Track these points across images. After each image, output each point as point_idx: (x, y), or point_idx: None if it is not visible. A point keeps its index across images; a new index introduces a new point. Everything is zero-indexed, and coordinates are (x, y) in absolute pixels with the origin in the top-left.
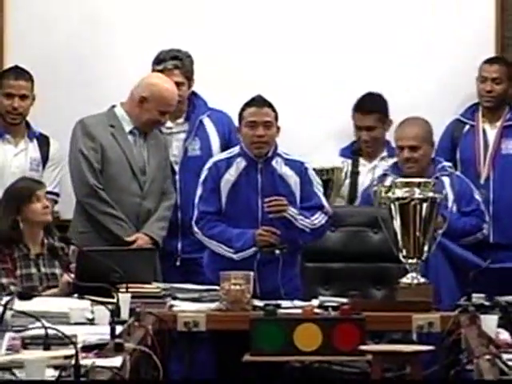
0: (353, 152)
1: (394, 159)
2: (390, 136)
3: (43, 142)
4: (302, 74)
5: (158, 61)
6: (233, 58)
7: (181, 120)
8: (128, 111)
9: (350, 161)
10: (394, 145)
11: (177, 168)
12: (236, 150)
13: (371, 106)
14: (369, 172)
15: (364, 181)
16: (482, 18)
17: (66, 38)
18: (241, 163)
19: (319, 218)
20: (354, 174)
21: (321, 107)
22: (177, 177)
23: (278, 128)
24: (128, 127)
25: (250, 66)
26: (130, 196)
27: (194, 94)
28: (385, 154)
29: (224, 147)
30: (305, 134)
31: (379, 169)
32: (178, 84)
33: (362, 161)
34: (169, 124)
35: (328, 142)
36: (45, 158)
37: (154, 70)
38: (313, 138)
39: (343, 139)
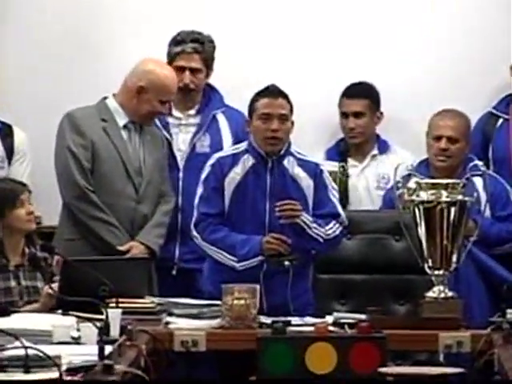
0: (340, 153)
1: (386, 155)
2: (379, 130)
3: (5, 132)
4: (298, 68)
5: (177, 42)
6: (226, 53)
7: (192, 112)
8: (122, 103)
9: (336, 163)
10: (384, 138)
11: (181, 165)
12: (243, 145)
13: (360, 91)
14: (360, 173)
15: (356, 184)
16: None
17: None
18: (248, 161)
19: (333, 228)
20: (344, 177)
21: (314, 105)
22: (180, 174)
23: (292, 122)
24: (122, 121)
25: (244, 62)
26: (124, 199)
27: (209, 86)
28: (376, 151)
29: None
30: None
31: (370, 168)
32: (195, 70)
33: (351, 161)
34: (178, 114)
35: (313, 143)
36: (9, 151)
37: (170, 52)
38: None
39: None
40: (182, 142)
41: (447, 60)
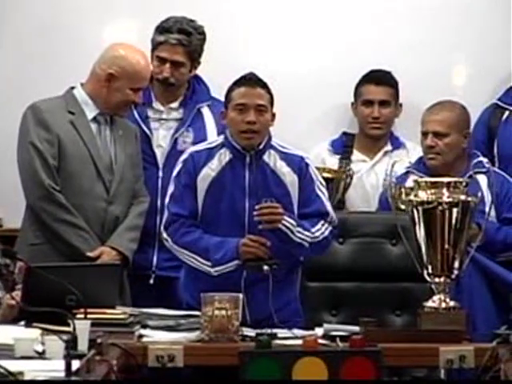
0: (346, 145)
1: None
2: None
3: None
4: (300, 56)
5: (162, 30)
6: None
7: (175, 105)
8: (91, 93)
9: (337, 161)
10: (398, 134)
11: (160, 163)
12: (219, 139)
13: (386, 79)
14: (370, 169)
15: (364, 181)
16: None
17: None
18: (224, 155)
19: (322, 230)
20: (348, 179)
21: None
22: (159, 173)
23: (274, 114)
24: (91, 113)
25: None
26: (94, 199)
27: (195, 77)
28: (389, 147)
29: None
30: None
31: (381, 165)
32: (177, 64)
33: (359, 156)
34: (158, 107)
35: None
36: None
37: (154, 40)
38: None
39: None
40: (162, 137)
41: (448, 51)
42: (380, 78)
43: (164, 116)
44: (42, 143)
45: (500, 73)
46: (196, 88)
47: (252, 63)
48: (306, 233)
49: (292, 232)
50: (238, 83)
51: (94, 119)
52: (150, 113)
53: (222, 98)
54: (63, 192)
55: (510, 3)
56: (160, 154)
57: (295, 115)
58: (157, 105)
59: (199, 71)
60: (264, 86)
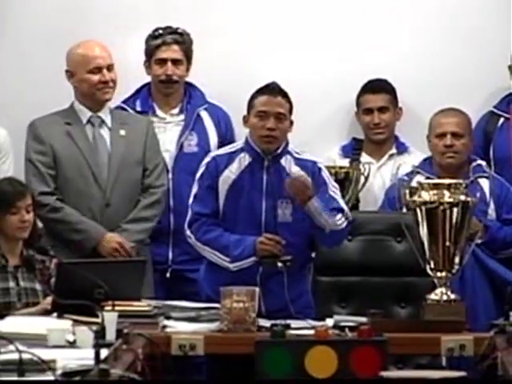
0: (356, 150)
1: (414, 156)
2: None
3: None
4: (306, 64)
5: (155, 36)
6: (227, 45)
7: (175, 111)
8: (77, 98)
9: (347, 160)
10: (403, 140)
11: (170, 166)
12: (240, 144)
13: (382, 86)
14: (377, 172)
15: (373, 183)
16: None
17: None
18: (244, 159)
19: (341, 220)
20: (358, 174)
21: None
22: (169, 175)
23: (292, 122)
24: (85, 117)
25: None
26: (90, 201)
27: (189, 83)
28: (394, 150)
29: (221, 146)
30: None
31: (387, 167)
32: (176, 62)
33: (367, 158)
34: (161, 115)
35: (327, 139)
36: None
37: (149, 47)
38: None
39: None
40: (168, 142)
41: (448, 60)
42: (376, 86)
43: (167, 122)
44: (36, 155)
45: (498, 81)
46: (192, 94)
47: (256, 71)
48: (330, 219)
49: (319, 213)
50: (260, 91)
51: (89, 122)
52: (155, 120)
53: (219, 103)
54: (61, 196)
55: (510, 13)
56: (168, 158)
57: (300, 121)
58: (160, 113)
59: (204, 79)
60: (285, 95)
